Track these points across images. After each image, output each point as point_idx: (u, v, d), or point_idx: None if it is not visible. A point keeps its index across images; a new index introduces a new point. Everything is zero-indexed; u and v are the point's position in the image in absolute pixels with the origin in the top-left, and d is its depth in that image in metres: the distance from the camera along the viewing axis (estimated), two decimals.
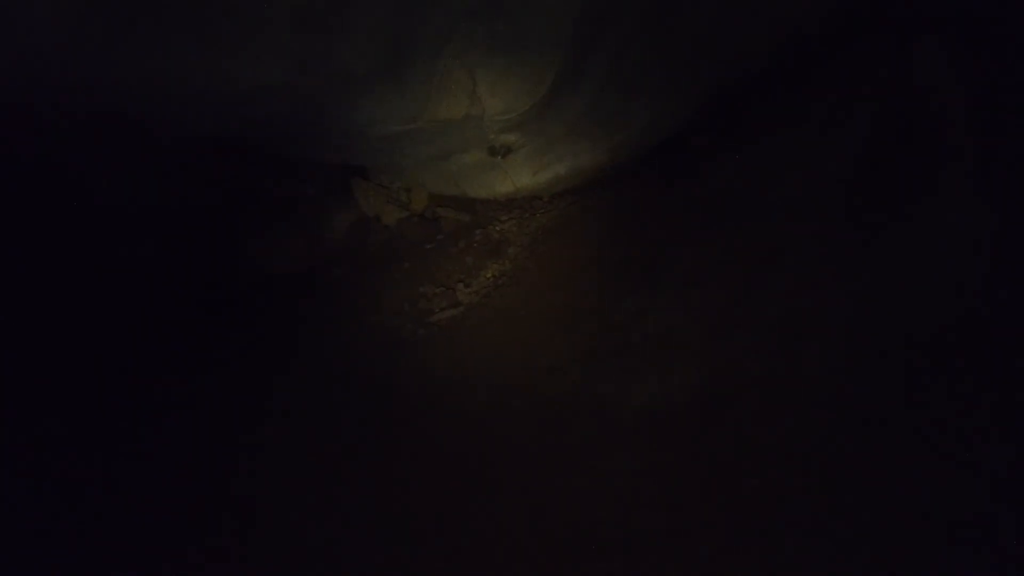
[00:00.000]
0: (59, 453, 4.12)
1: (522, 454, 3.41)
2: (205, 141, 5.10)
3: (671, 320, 3.74)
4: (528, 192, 5.62)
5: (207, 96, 3.88)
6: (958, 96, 3.57)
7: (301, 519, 3.40)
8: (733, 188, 4.53)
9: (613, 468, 3.12)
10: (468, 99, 4.19)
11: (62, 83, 3.59)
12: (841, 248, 3.49)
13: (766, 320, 3.31)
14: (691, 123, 5.19)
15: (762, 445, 2.73)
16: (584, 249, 5.03)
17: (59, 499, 3.74)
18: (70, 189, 5.53)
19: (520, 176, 5.43)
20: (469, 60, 3.93)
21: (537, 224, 5.55)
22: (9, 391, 4.54)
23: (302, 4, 3.20)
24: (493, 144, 4.89)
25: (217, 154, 5.23)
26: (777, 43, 4.71)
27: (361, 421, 4.11)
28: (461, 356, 4.51)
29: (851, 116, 4.21)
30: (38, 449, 4.14)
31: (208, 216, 5.80)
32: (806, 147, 4.34)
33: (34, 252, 5.58)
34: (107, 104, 4.10)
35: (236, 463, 3.92)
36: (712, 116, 5.13)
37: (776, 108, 4.79)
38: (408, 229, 5.72)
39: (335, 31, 3.42)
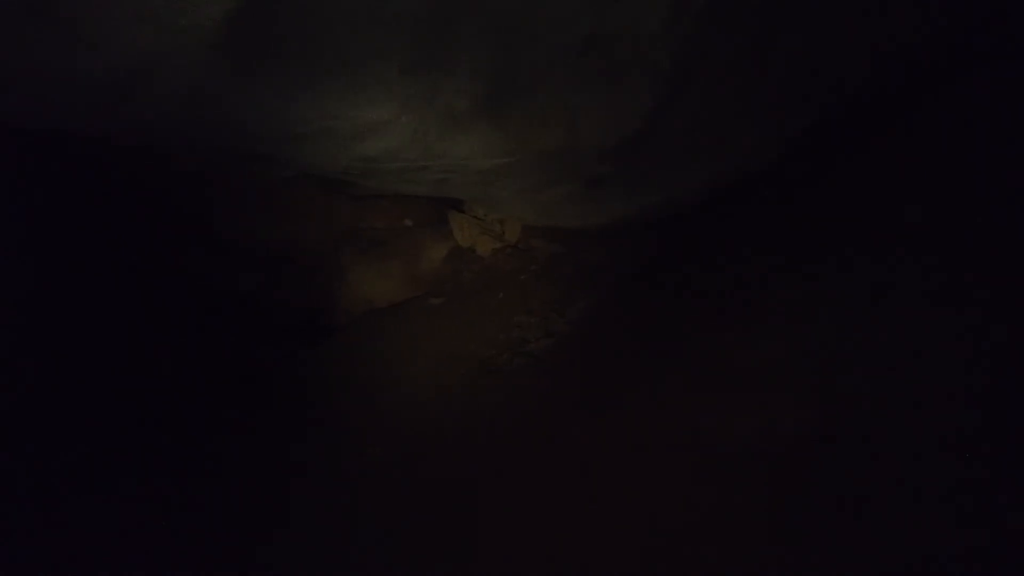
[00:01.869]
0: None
1: (621, 486, 3.37)
2: (312, 178, 5.39)
3: (776, 353, 3.62)
4: (622, 222, 5.61)
5: (317, 137, 4.11)
6: None
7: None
8: (835, 219, 4.38)
9: (717, 502, 3.03)
10: (565, 131, 4.25)
11: (191, 125, 3.90)
12: (949, 290, 3.30)
13: (882, 355, 3.15)
14: (790, 151, 5.06)
15: (885, 481, 2.59)
16: (679, 280, 4.97)
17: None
18: (187, 223, 5.96)
19: (614, 207, 5.43)
20: (567, 93, 3.99)
21: (631, 254, 5.53)
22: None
23: (410, 48, 3.36)
24: (588, 175, 4.92)
25: (323, 190, 5.52)
26: (884, 70, 4.55)
27: (454, 449, 4.17)
28: (556, 386, 4.52)
29: (965, 152, 4.00)
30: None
31: (312, 249, 6.10)
32: (912, 181, 4.15)
33: (143, 280, 6.03)
34: (227, 145, 4.41)
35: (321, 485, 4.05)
36: (813, 144, 4.99)
37: (881, 138, 4.61)
38: (502, 260, 5.82)
39: (440, 72, 3.56)
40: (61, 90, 3.28)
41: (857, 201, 4.36)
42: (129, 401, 5.14)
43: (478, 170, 4.69)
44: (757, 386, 3.55)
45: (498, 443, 4.03)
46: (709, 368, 3.88)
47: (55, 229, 5.51)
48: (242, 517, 3.94)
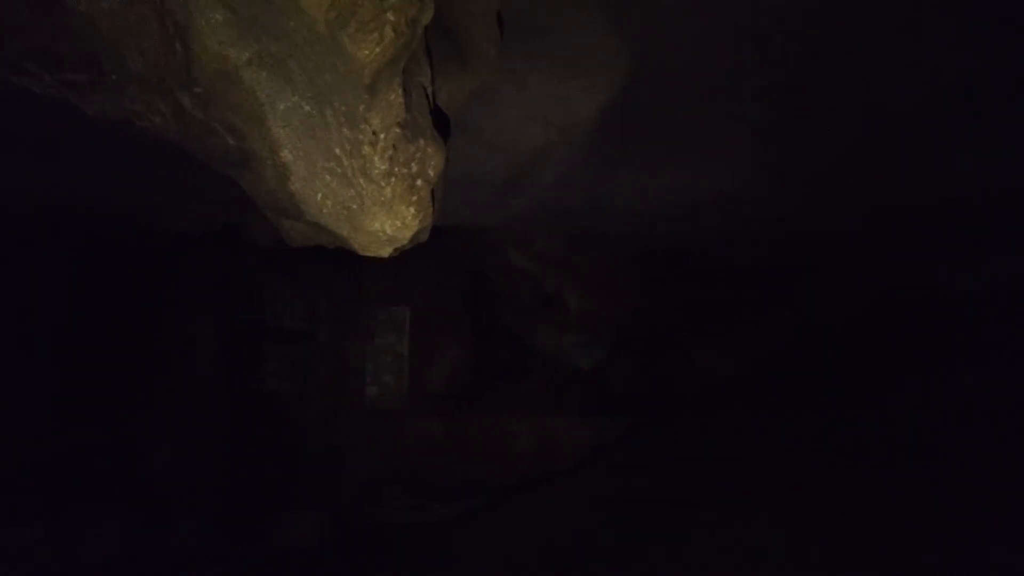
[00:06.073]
0: None
1: None
2: (653, 253, 5.68)
3: None
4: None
5: (665, 211, 4.38)
6: None
7: None
8: None
9: None
10: (937, 190, 3.92)
11: (557, 211, 4.46)
12: None
13: None
14: None
15: None
16: None
17: None
18: (543, 303, 6.64)
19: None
20: (938, 145, 3.69)
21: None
22: None
23: (762, 118, 3.45)
24: (965, 238, 4.43)
25: (663, 264, 5.76)
26: None
27: None
28: None
29: None
30: None
31: (651, 324, 6.34)
32: None
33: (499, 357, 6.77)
34: (583, 226, 4.92)
35: None
36: None
37: None
38: None
39: (792, 137, 3.57)
40: (466, 191, 4.01)
41: None
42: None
43: (828, 233, 4.53)
44: None
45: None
46: None
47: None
48: None
